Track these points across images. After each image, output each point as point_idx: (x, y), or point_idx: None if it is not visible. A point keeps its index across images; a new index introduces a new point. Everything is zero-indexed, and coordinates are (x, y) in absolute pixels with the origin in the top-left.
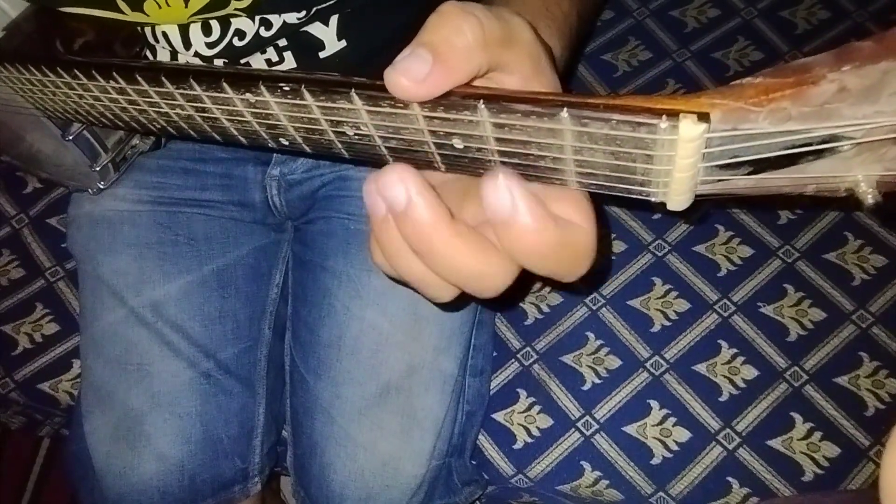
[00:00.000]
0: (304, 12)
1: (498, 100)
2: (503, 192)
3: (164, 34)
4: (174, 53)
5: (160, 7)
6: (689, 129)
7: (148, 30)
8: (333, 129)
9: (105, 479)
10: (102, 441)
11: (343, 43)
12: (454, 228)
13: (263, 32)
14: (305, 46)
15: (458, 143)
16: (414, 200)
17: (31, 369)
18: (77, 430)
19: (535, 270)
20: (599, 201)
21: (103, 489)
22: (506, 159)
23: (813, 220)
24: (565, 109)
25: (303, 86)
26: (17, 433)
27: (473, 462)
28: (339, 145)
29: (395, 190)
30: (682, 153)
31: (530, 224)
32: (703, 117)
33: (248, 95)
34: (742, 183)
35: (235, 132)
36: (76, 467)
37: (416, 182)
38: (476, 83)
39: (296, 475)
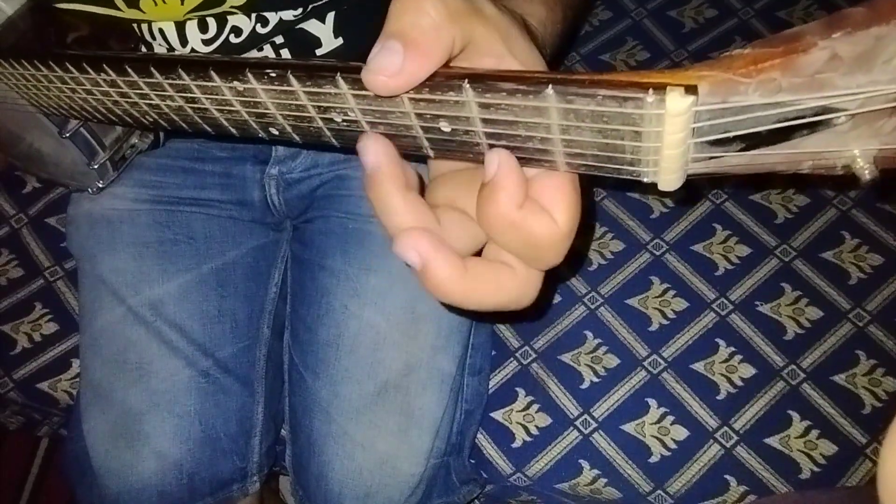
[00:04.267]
0: (300, 9)
1: (483, 79)
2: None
3: (161, 31)
4: (170, 50)
5: (156, 4)
6: (677, 102)
7: (144, 27)
8: (321, 116)
9: (104, 478)
10: (101, 440)
11: (340, 40)
12: (468, 277)
13: (260, 29)
14: (302, 44)
15: (445, 126)
16: (429, 261)
17: (30, 369)
18: (76, 429)
19: (502, 246)
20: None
21: (102, 488)
22: (493, 141)
23: (810, 219)
24: (550, 86)
25: (289, 71)
26: (15, 433)
27: (472, 461)
28: (328, 133)
29: (409, 255)
30: (671, 128)
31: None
32: (691, 90)
33: (235, 83)
34: (735, 160)
35: (226, 123)
36: (75, 467)
37: (427, 244)
38: (453, 65)
39: (294, 474)
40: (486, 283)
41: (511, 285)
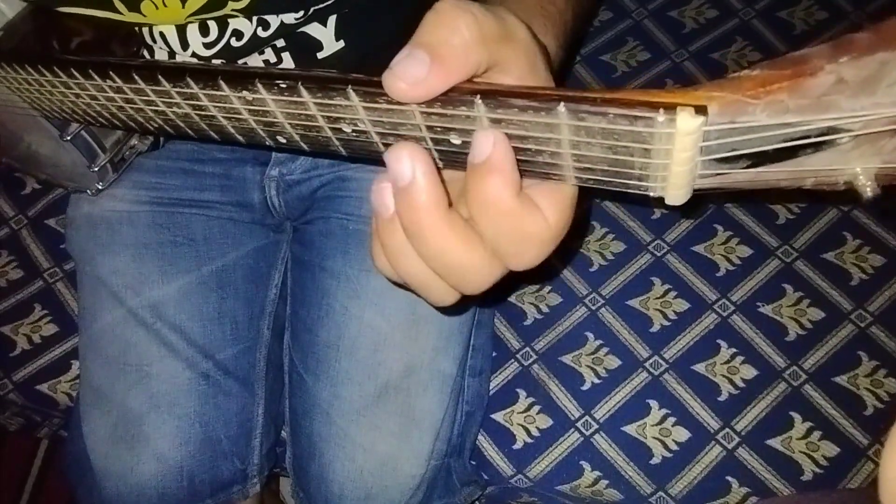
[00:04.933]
0: (301, 12)
1: (495, 95)
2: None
3: (162, 34)
4: (172, 54)
5: (157, 8)
6: (687, 122)
7: (145, 30)
8: (331, 126)
9: (104, 480)
10: (101, 442)
11: (341, 43)
12: (446, 216)
13: (261, 33)
14: (303, 47)
15: (455, 139)
16: (417, 179)
17: (30, 370)
18: (76, 430)
19: (485, 233)
20: (586, 204)
21: (102, 490)
22: None
23: (811, 219)
24: (562, 104)
25: (299, 83)
26: (15, 435)
27: (473, 462)
28: (337, 143)
29: (403, 165)
30: (680, 147)
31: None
32: (701, 110)
33: (244, 93)
34: (741, 177)
35: (233, 130)
36: (75, 468)
37: (423, 162)
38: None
39: (295, 476)
40: (458, 236)
41: (477, 255)
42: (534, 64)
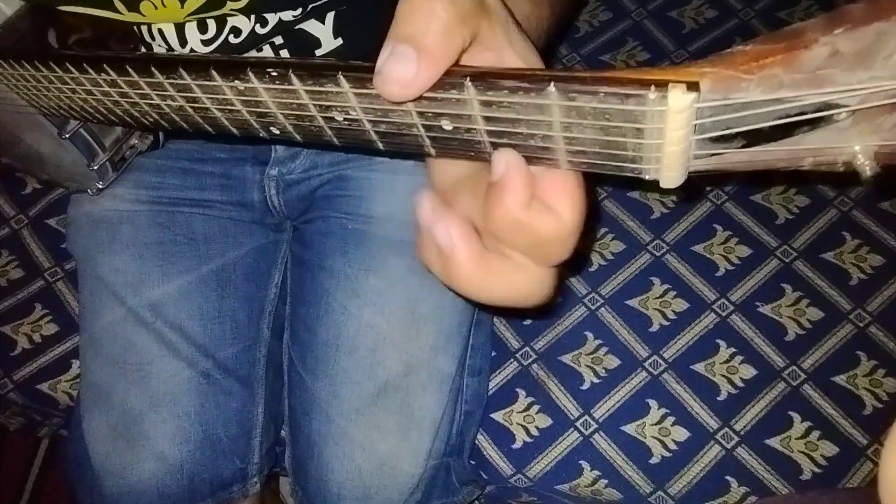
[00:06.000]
0: (299, 9)
1: (484, 77)
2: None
3: (160, 32)
4: (170, 50)
5: (156, 7)
6: (679, 99)
7: (144, 28)
8: (322, 115)
9: (104, 479)
10: (101, 441)
11: (339, 41)
12: (486, 268)
13: (259, 30)
14: (301, 44)
15: (446, 125)
16: (457, 246)
17: (30, 370)
18: (76, 430)
19: (508, 245)
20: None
21: (102, 489)
22: (495, 139)
23: (811, 219)
24: (552, 84)
25: (290, 70)
26: (15, 434)
27: (472, 462)
28: (329, 132)
29: (442, 236)
30: (673, 125)
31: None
32: (693, 86)
33: (236, 83)
34: (736, 157)
35: (227, 122)
36: (75, 467)
37: (459, 229)
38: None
39: (294, 475)
40: (500, 277)
41: (522, 281)
42: (508, 32)
